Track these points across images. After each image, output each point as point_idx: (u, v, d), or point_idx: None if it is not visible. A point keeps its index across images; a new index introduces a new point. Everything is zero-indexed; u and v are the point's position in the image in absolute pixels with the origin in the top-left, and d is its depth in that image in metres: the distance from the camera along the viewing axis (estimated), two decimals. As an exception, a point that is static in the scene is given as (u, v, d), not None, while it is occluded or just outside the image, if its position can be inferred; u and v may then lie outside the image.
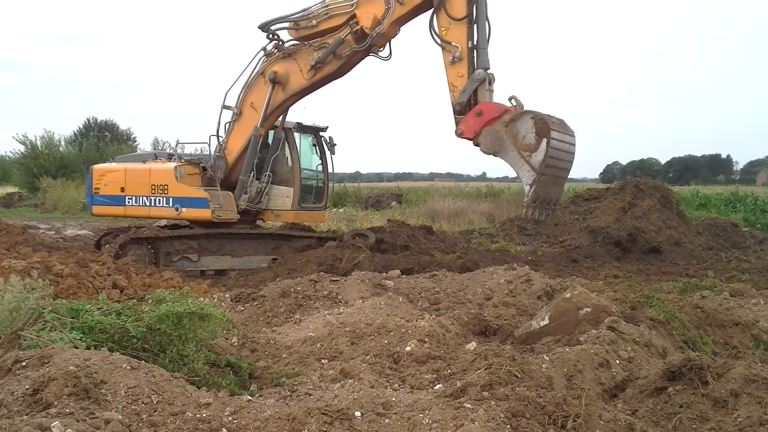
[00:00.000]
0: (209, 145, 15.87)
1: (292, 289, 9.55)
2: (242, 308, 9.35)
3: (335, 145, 16.87)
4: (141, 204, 15.66)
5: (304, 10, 14.51)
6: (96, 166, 16.81)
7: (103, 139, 50.88)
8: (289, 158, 16.20)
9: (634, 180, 25.07)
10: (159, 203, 15.44)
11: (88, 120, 60.21)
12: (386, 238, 16.41)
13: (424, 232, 18.41)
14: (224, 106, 15.35)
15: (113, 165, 16.86)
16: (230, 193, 15.32)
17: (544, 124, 12.21)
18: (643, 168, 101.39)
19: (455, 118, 13.33)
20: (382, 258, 14.08)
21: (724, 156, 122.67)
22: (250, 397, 5.16)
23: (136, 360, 4.94)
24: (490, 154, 12.79)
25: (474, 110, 12.94)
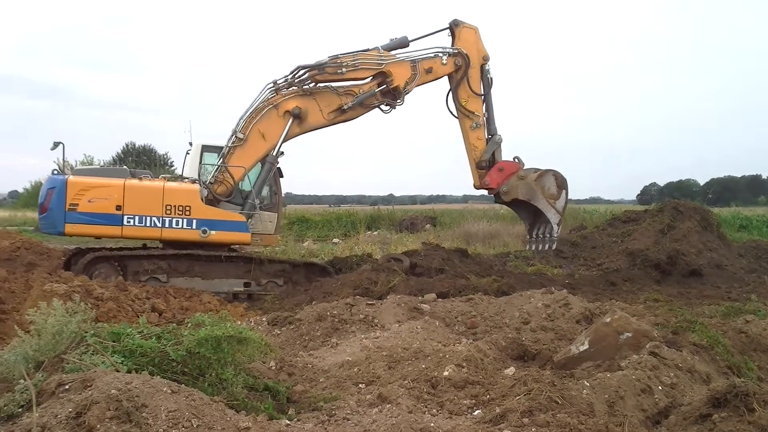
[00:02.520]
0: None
1: (329, 313, 9.56)
2: (279, 332, 9.37)
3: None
4: (149, 225, 14.66)
5: (335, 57, 15.74)
6: (72, 179, 14.66)
7: (141, 164, 51.63)
8: (273, 184, 16.29)
9: (673, 202, 24.57)
10: (177, 224, 14.73)
11: (127, 145, 61.25)
12: (421, 262, 16.38)
13: (459, 255, 18.32)
14: (234, 131, 15.52)
15: (100, 180, 14.93)
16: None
17: (563, 180, 16.80)
18: (682, 189, 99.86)
19: (478, 173, 16.94)
20: (418, 281, 14.05)
21: (764, 176, 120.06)
22: (288, 422, 5.17)
23: (176, 384, 4.98)
24: (522, 199, 16.72)
25: (496, 167, 16.86)
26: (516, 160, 17.17)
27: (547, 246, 17.12)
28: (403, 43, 16.45)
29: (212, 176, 15.48)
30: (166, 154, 62.19)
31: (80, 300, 6.52)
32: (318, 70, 15.59)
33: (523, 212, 17.83)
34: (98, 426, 4.24)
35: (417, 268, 16.00)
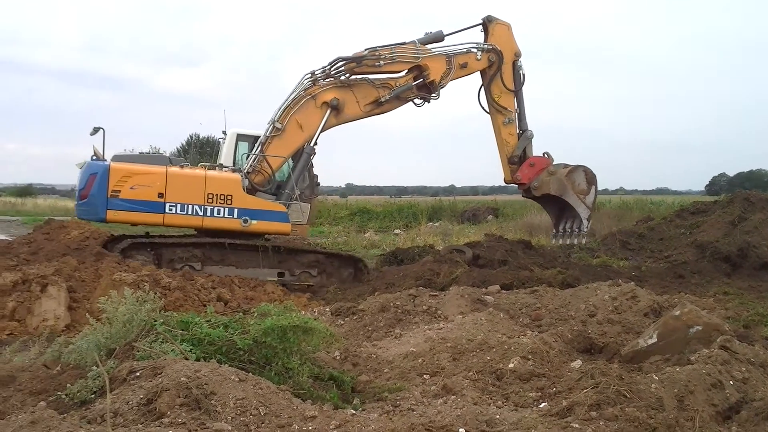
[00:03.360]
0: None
1: (392, 304, 9.57)
2: (342, 322, 9.43)
3: None
4: (190, 213, 14.50)
5: (373, 49, 15.91)
6: (115, 165, 14.38)
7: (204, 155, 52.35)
8: (307, 175, 16.23)
9: (744, 192, 23.76)
10: (219, 213, 14.59)
11: (191, 137, 62.30)
12: (484, 253, 16.28)
13: (523, 246, 18.16)
14: (272, 121, 15.62)
15: (143, 167, 14.79)
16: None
17: (593, 176, 17.58)
18: (752, 180, 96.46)
19: (510, 167, 17.53)
20: (480, 273, 13.95)
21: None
22: (353, 411, 5.19)
23: (243, 372, 5.06)
24: (554, 194, 17.48)
25: (527, 162, 17.50)
26: (545, 155, 17.81)
27: (575, 240, 18.07)
28: (439, 37, 16.77)
29: (249, 165, 15.46)
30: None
31: (149, 289, 6.70)
32: (357, 62, 15.75)
33: (550, 207, 18.63)
34: (168, 412, 4.34)
35: (480, 260, 15.94)
